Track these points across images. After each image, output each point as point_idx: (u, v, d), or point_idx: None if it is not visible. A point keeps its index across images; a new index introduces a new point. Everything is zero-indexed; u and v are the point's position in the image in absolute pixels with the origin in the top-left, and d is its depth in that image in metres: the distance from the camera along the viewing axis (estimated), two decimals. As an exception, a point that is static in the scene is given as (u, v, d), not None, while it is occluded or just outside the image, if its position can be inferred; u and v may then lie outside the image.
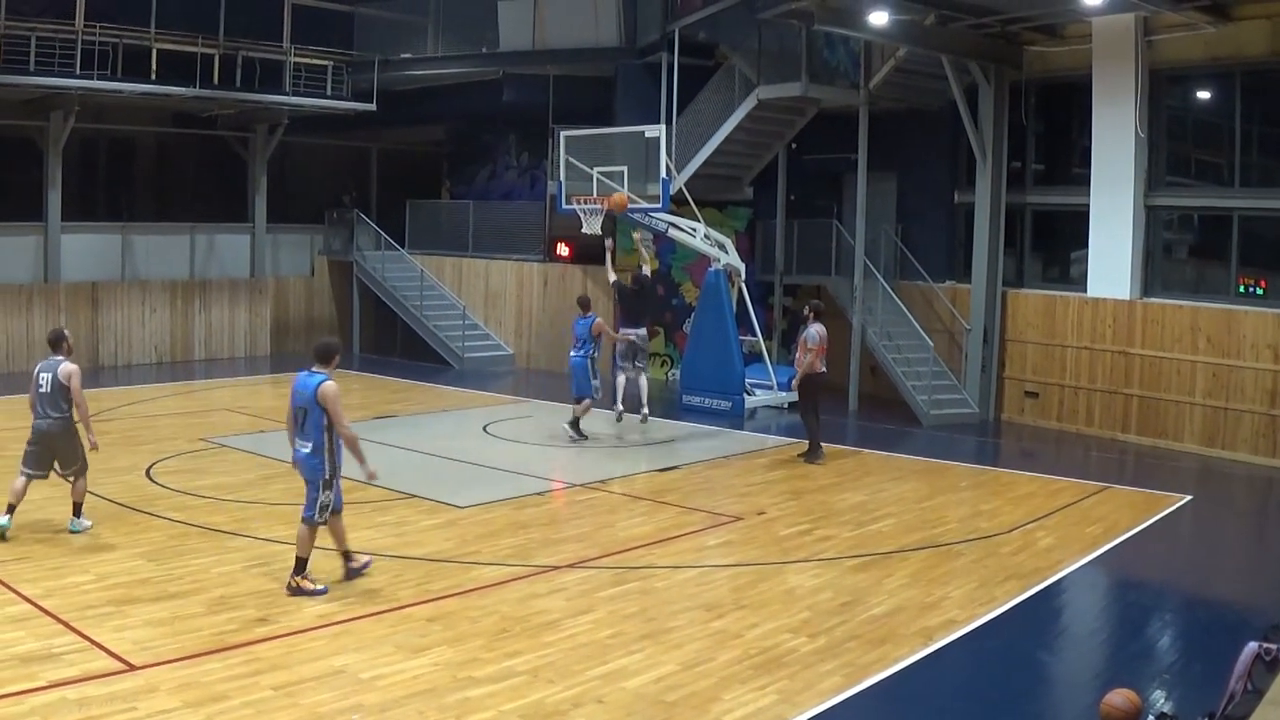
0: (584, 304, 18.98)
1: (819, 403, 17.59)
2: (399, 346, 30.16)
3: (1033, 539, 13.20)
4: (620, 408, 19.51)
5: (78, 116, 25.32)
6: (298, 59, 27.58)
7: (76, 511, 12.43)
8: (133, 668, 8.52)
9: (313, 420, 10.44)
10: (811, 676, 8.83)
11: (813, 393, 17.43)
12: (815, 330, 17.10)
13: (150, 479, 15.02)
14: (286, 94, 27.38)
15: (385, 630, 9.55)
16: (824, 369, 17.41)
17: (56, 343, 12.39)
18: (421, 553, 11.97)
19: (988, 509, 14.75)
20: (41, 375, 12.11)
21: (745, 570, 11.74)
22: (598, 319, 18.58)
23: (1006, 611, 10.62)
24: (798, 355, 17.50)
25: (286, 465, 15.66)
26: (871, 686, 8.73)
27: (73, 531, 12.25)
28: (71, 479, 12.39)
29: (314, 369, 10.57)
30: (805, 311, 17.62)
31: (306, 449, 10.54)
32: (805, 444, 17.58)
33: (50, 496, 13.50)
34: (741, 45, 23.81)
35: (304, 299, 31.15)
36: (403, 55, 29.33)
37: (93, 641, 9.02)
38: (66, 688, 8.08)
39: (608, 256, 20.31)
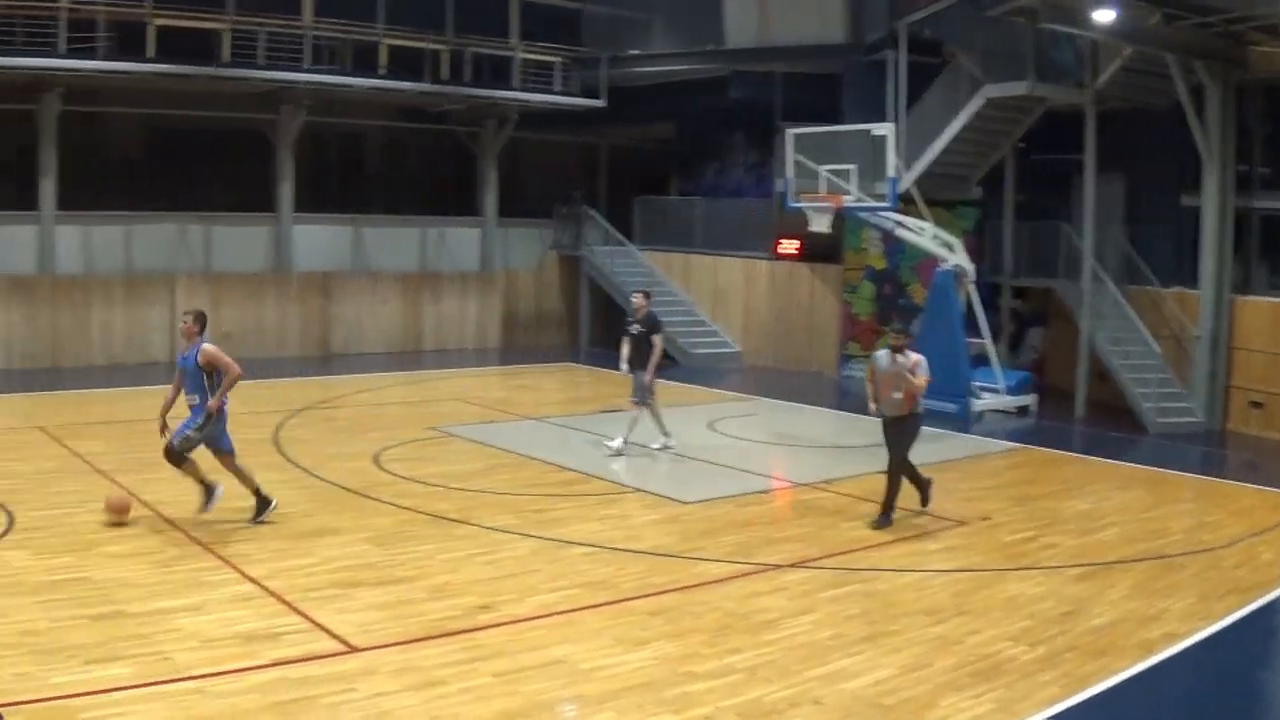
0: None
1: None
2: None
3: (1254, 553, 13.00)
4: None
5: (308, 110, 26.31)
6: (525, 55, 28.29)
7: None
8: (354, 649, 8.86)
9: None
10: (1029, 686, 8.84)
11: (915, 433, 13.76)
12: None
13: (378, 465, 15.63)
14: (515, 90, 28.08)
15: (606, 622, 9.69)
16: None
17: None
18: (644, 547, 12.20)
19: (1211, 521, 14.56)
20: None
21: (967, 576, 11.76)
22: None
23: (1226, 627, 10.53)
24: (903, 386, 13.28)
25: (514, 456, 16.41)
26: (1090, 699, 8.71)
27: None
28: None
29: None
30: (894, 341, 13.46)
31: None
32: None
33: (280, 480, 14.04)
34: (968, 43, 23.72)
35: (533, 293, 32.00)
36: (630, 52, 29.86)
37: (315, 623, 9.38)
38: (287, 667, 8.43)
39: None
